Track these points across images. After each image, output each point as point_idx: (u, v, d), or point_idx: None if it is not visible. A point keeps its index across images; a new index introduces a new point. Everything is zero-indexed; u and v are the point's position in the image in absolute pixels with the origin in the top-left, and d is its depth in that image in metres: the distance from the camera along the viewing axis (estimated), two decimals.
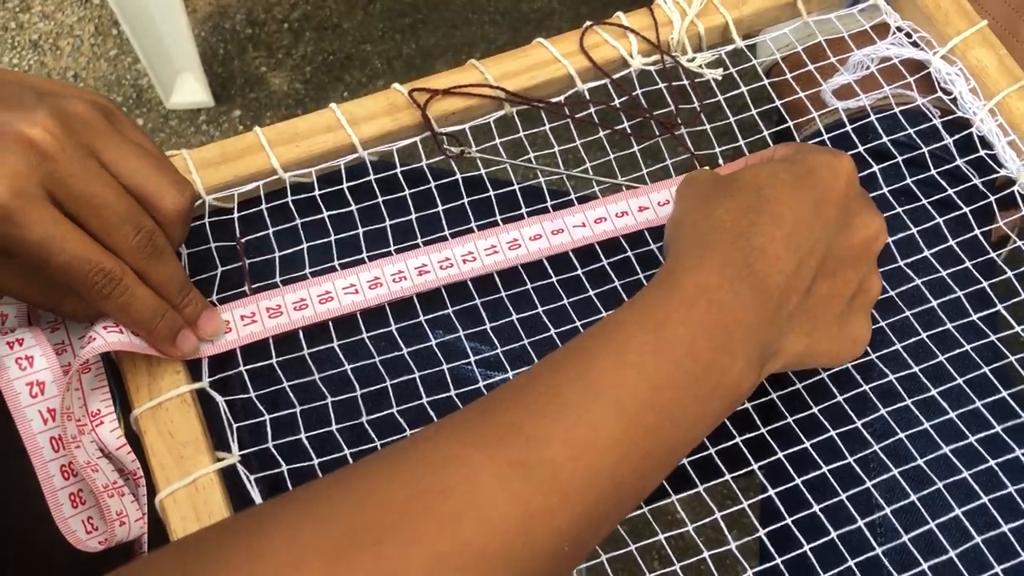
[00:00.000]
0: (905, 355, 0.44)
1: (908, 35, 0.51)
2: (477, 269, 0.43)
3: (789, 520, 0.40)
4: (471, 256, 0.43)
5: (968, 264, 0.46)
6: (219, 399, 0.40)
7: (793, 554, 0.39)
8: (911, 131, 0.50)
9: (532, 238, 0.44)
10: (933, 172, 0.48)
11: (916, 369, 0.44)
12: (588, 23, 0.48)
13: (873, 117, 0.50)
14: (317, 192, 0.45)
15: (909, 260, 0.46)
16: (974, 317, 0.45)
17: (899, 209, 0.48)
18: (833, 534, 0.39)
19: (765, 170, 0.38)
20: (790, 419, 0.43)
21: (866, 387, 0.43)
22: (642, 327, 0.33)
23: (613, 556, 0.39)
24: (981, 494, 0.40)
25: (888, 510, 0.40)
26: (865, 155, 0.49)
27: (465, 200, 0.46)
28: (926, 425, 0.42)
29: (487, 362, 0.44)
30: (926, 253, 0.46)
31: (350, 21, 1.26)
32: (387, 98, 0.46)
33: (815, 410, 0.43)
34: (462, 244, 0.44)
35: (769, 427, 0.42)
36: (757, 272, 0.35)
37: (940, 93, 0.49)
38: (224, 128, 1.20)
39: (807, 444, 0.42)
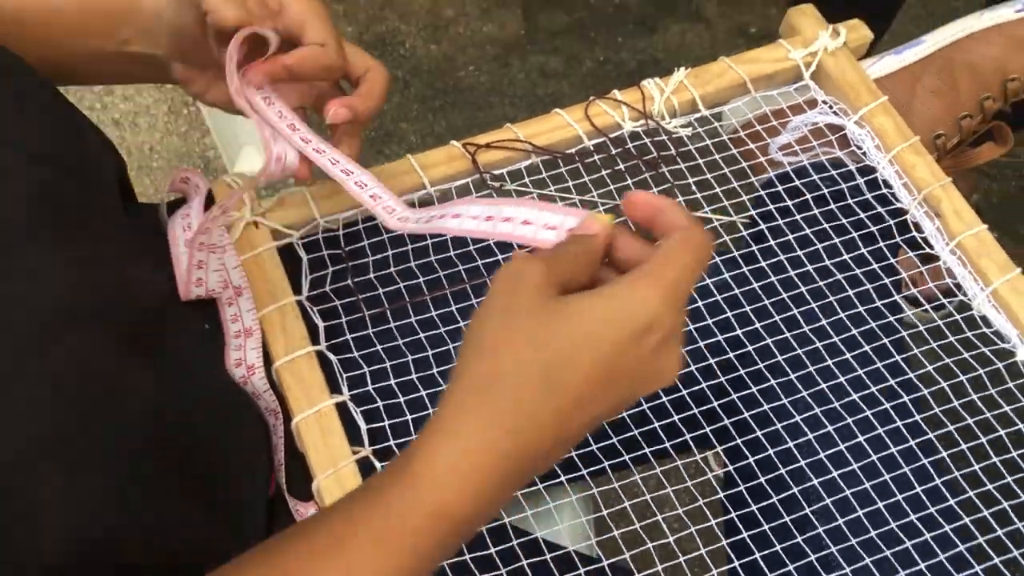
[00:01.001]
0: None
1: (830, 106, 0.68)
2: None
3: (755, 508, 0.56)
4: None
5: (875, 267, 0.63)
6: (332, 357, 0.56)
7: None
8: (834, 173, 0.67)
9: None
10: (850, 201, 0.65)
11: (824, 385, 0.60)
12: (592, 98, 0.66)
13: (807, 163, 0.68)
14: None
15: (828, 276, 0.63)
16: (877, 303, 0.61)
17: (826, 226, 0.65)
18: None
19: (583, 331, 0.38)
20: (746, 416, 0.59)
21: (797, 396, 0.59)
22: (376, 543, 0.37)
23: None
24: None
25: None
26: (803, 189, 0.66)
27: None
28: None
29: None
30: (845, 257, 0.63)
31: (389, 103, 1.45)
32: (446, 151, 0.64)
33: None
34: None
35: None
36: (520, 446, 0.37)
37: (854, 148, 0.67)
38: (279, 190, 1.38)
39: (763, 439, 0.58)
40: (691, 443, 0.59)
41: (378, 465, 0.54)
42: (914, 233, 0.63)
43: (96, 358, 0.43)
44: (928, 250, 0.63)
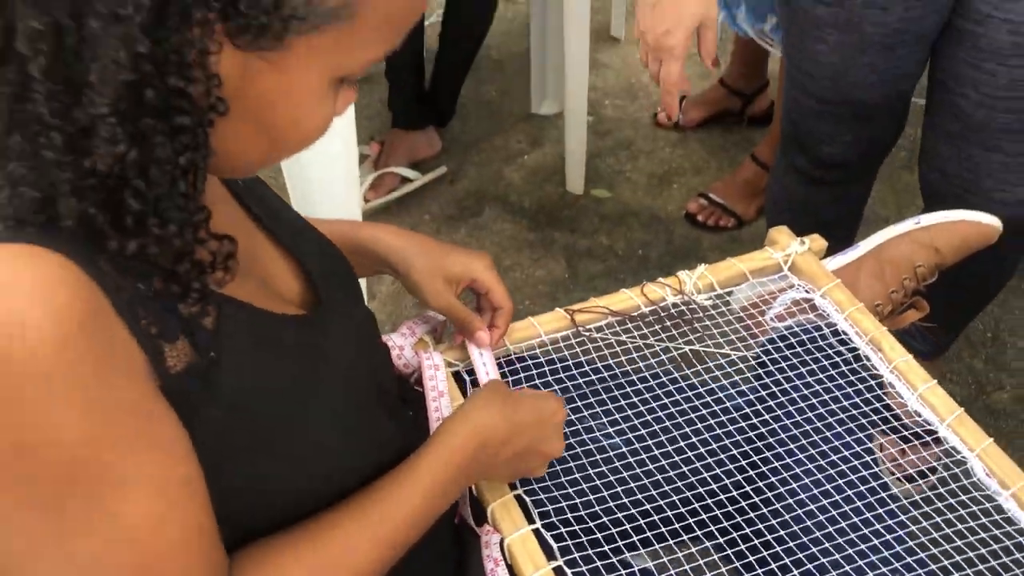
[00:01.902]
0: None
1: (804, 288, 1.03)
2: None
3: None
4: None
5: (838, 393, 0.94)
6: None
7: None
8: (814, 333, 1.00)
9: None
10: (827, 348, 0.98)
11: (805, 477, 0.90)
12: (644, 282, 1.01)
13: (795, 327, 1.01)
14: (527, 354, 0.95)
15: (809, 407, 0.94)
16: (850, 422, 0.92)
17: (805, 370, 0.97)
18: None
19: (506, 430, 0.75)
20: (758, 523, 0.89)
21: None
22: (397, 524, 0.69)
23: None
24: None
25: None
26: (793, 343, 0.99)
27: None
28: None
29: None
30: (817, 388, 0.95)
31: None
32: (553, 315, 0.98)
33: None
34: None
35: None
36: (468, 475, 0.74)
37: (821, 313, 1.01)
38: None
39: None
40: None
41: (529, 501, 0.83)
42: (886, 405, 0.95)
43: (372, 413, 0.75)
44: (904, 432, 0.93)
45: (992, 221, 1.03)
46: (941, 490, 0.85)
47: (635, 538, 0.83)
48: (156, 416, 0.55)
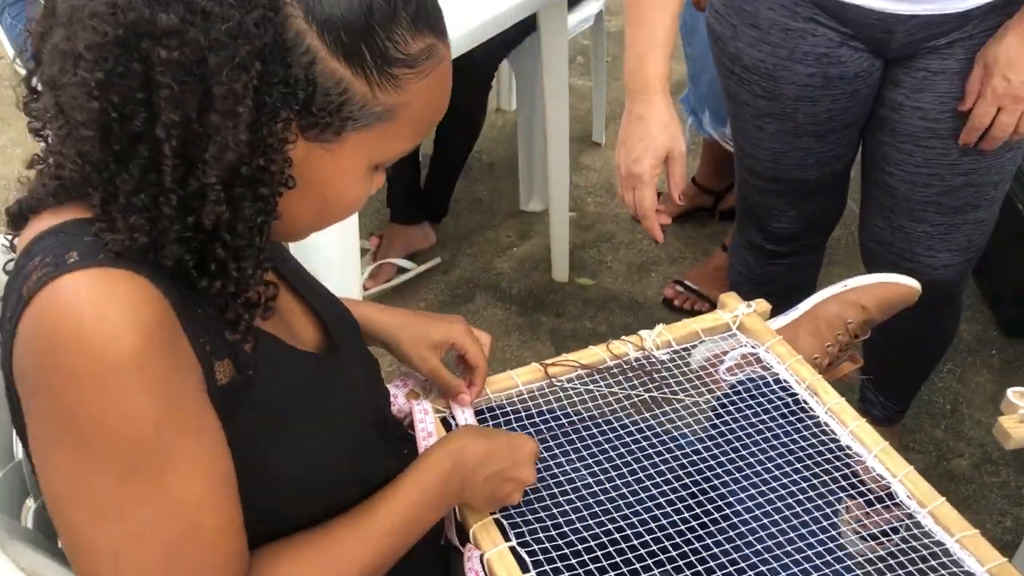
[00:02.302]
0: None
1: (751, 345, 1.17)
2: None
3: None
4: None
5: (780, 432, 1.07)
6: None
7: None
8: (759, 383, 1.13)
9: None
10: (772, 396, 1.11)
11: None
12: (611, 340, 1.15)
13: (743, 379, 1.14)
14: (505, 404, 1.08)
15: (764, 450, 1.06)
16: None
17: (752, 414, 1.10)
18: None
19: (479, 452, 0.88)
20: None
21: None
22: (388, 531, 0.82)
23: None
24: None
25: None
26: (746, 391, 1.12)
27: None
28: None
29: None
30: (766, 432, 1.07)
31: None
32: (530, 368, 1.11)
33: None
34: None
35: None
36: (448, 491, 0.87)
37: (765, 365, 1.14)
38: None
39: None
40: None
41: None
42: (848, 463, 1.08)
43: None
44: (869, 496, 1.04)
45: (910, 283, 1.18)
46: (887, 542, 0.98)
47: (599, 553, 0.94)
48: (207, 415, 0.69)
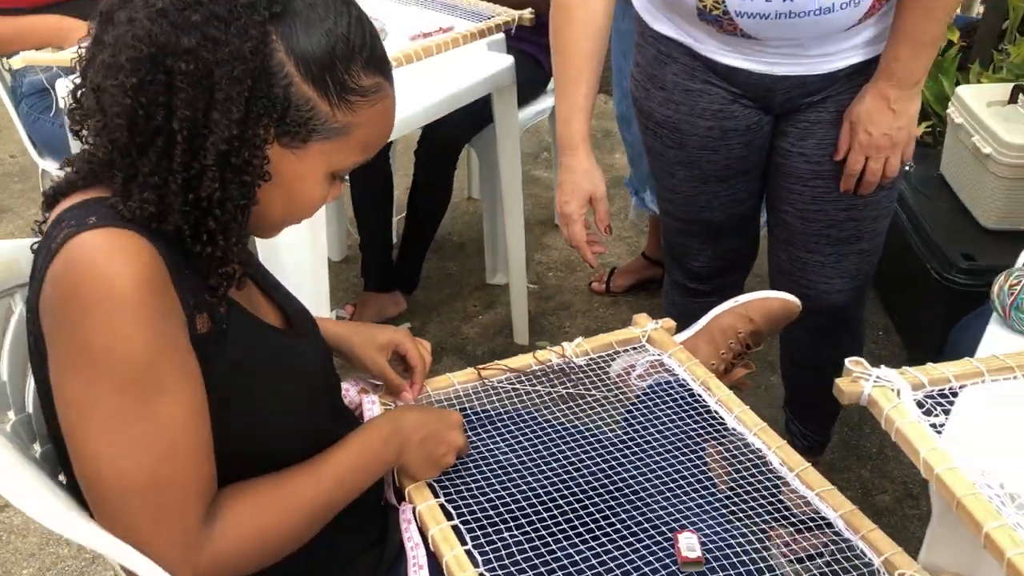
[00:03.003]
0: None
1: (657, 353, 1.36)
2: None
3: None
4: None
5: (677, 424, 1.25)
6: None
7: None
8: (663, 383, 1.31)
9: None
10: (673, 392, 1.29)
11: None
12: (537, 350, 1.34)
13: (651, 383, 1.33)
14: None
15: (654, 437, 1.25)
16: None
17: (658, 410, 1.28)
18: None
19: (414, 419, 1.08)
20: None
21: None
22: (334, 480, 0.99)
23: None
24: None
25: None
26: (652, 391, 1.30)
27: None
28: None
29: None
30: (666, 421, 1.26)
31: None
32: (467, 372, 1.30)
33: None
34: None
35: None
36: (388, 451, 1.05)
37: (669, 370, 1.33)
38: None
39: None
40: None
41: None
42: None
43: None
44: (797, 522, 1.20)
45: (790, 298, 1.39)
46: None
47: (517, 512, 1.11)
48: (189, 357, 0.88)
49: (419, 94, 1.87)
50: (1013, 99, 2.20)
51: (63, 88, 1.96)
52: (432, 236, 2.54)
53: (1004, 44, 2.61)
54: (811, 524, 1.10)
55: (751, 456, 1.18)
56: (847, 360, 1.08)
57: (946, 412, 1.04)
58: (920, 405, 1.04)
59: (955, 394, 1.07)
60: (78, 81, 0.93)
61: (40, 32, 2.16)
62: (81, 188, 0.93)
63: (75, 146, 1.98)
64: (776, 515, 1.12)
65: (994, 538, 0.88)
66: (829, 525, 1.09)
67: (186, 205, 0.88)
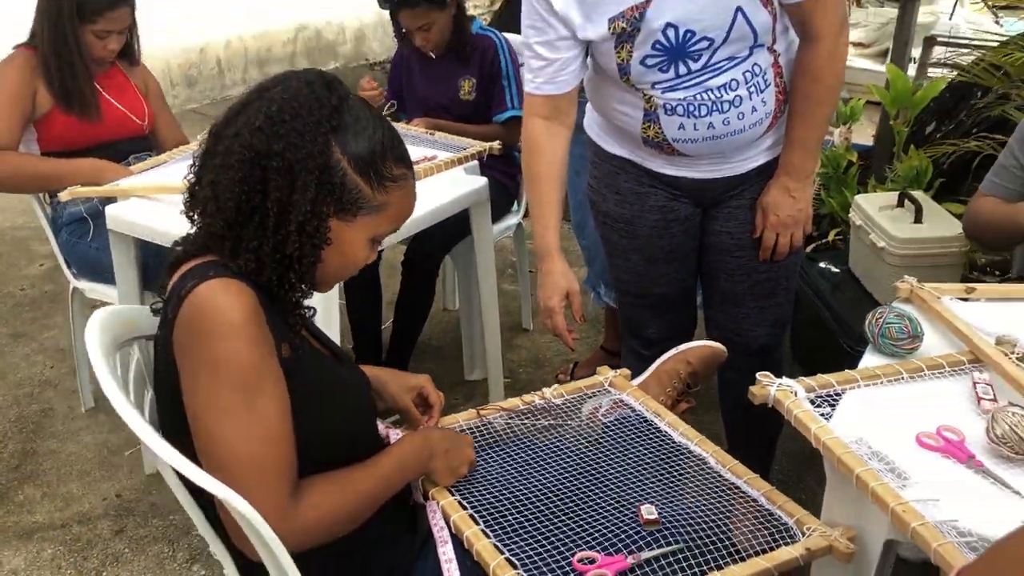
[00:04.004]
0: None
1: (616, 395, 1.71)
2: None
3: None
4: None
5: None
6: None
7: None
8: (624, 417, 1.66)
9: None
10: (634, 421, 1.64)
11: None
12: (523, 395, 1.69)
13: (614, 417, 1.67)
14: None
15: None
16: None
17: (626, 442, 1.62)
18: None
19: (438, 437, 1.45)
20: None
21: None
22: (380, 477, 1.33)
23: None
24: None
25: None
26: (615, 423, 1.65)
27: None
28: None
29: None
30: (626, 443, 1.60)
31: None
32: (468, 412, 1.64)
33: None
34: None
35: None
36: (419, 460, 1.40)
37: (628, 405, 1.68)
38: None
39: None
40: None
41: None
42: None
43: None
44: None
45: (717, 345, 1.76)
46: None
47: (512, 508, 1.44)
48: (279, 372, 1.22)
49: None
50: (900, 203, 2.66)
51: (123, 210, 2.31)
52: (417, 337, 2.90)
53: (892, 163, 3.11)
54: (742, 500, 1.45)
55: (693, 459, 1.53)
56: (758, 374, 1.45)
57: (832, 407, 1.40)
58: (812, 402, 1.40)
59: (839, 395, 1.43)
60: (192, 179, 1.31)
61: (80, 172, 2.53)
62: (193, 256, 1.29)
63: (118, 262, 2.34)
64: (715, 495, 1.46)
65: (863, 478, 1.23)
66: (755, 501, 1.43)
67: (275, 262, 1.24)
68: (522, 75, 2.17)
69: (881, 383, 1.45)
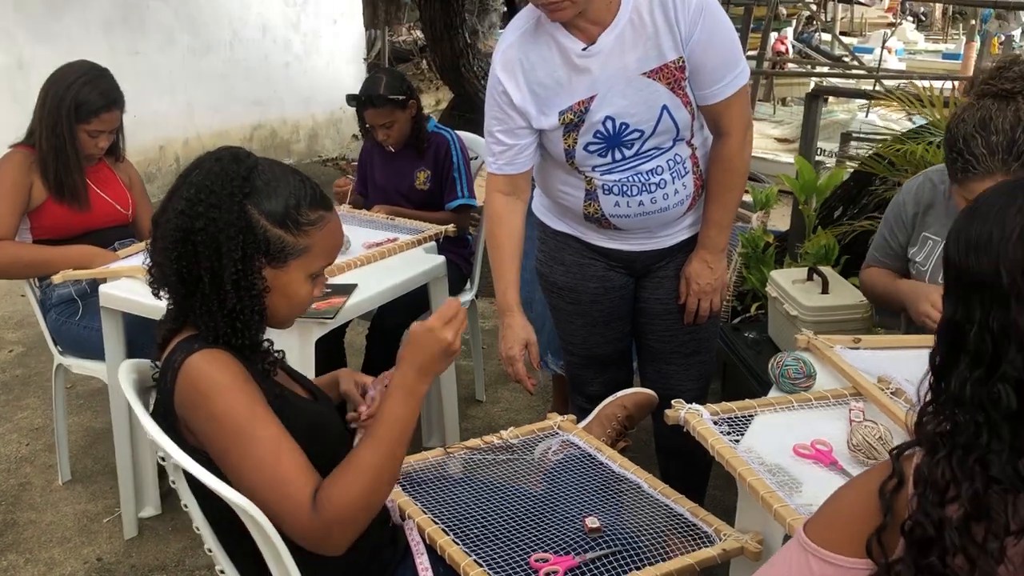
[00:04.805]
0: None
1: (565, 434, 1.98)
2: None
3: None
4: None
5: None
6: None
7: None
8: (572, 454, 1.93)
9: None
10: (580, 458, 1.91)
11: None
12: (484, 436, 1.95)
13: (563, 456, 1.94)
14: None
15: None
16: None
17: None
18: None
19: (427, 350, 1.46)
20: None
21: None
22: (393, 440, 1.45)
23: None
24: None
25: None
26: (564, 460, 1.91)
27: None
28: None
29: None
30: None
31: None
32: (437, 451, 1.89)
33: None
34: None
35: None
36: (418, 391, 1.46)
37: (575, 444, 1.95)
38: None
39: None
40: None
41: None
42: None
43: None
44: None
45: (649, 392, 2.05)
46: None
47: (472, 528, 1.68)
48: (268, 407, 1.46)
49: (374, 284, 2.55)
50: (809, 277, 3.01)
51: (113, 288, 2.55)
52: None
53: (803, 243, 3.49)
54: (671, 515, 1.72)
55: (631, 485, 1.80)
56: (672, 400, 1.74)
57: (731, 427, 1.69)
58: (715, 423, 1.69)
59: (738, 419, 1.73)
60: (148, 264, 1.55)
61: (71, 257, 2.77)
62: (176, 332, 1.53)
63: (108, 337, 2.57)
64: (648, 511, 1.73)
65: (754, 486, 1.51)
66: (681, 515, 1.70)
67: (224, 318, 1.47)
68: (472, 168, 2.48)
69: (774, 410, 1.75)
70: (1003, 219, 1.00)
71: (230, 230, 1.45)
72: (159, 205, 1.52)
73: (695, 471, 2.45)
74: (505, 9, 13.07)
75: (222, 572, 1.59)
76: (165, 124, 6.61)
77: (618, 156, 2.09)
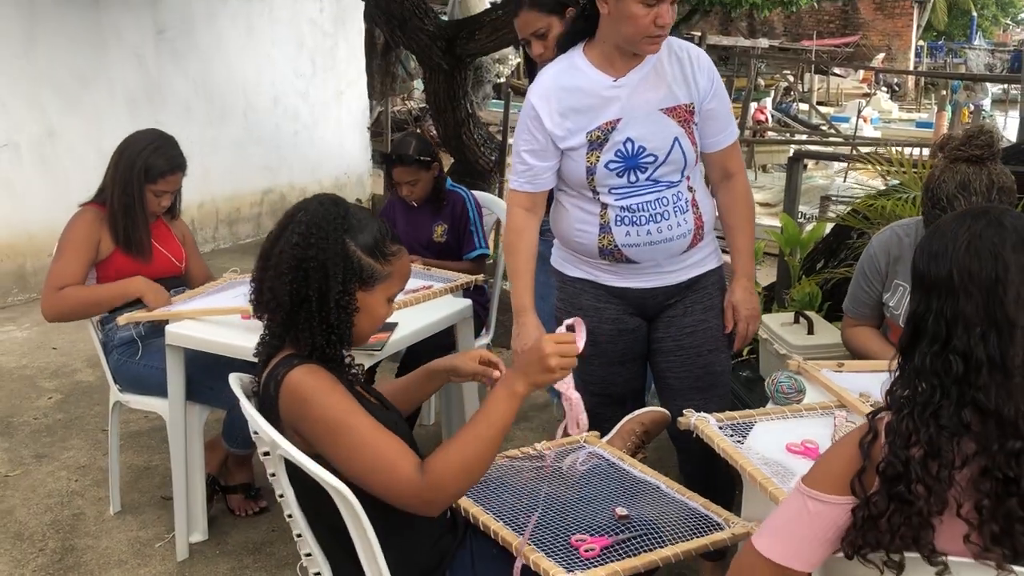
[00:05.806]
0: None
1: (591, 447, 2.29)
2: None
3: None
4: None
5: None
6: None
7: None
8: (597, 464, 2.23)
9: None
10: (605, 466, 2.21)
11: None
12: (522, 447, 2.25)
13: (589, 466, 2.24)
14: None
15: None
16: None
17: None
18: None
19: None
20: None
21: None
22: (492, 426, 1.73)
23: None
24: None
25: None
26: (591, 469, 2.21)
27: None
28: None
29: None
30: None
31: None
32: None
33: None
34: None
35: None
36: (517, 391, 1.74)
37: (601, 455, 2.26)
38: None
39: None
40: None
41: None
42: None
43: None
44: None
45: (663, 410, 2.36)
46: None
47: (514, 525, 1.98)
48: (357, 402, 1.77)
49: (411, 323, 2.87)
50: (796, 320, 3.36)
51: (178, 328, 2.85)
52: None
53: (789, 290, 3.84)
54: (687, 509, 2.02)
55: (651, 486, 2.10)
56: (685, 410, 2.06)
57: (734, 431, 2.01)
58: (722, 428, 2.01)
59: (740, 425, 2.04)
60: (254, 292, 1.87)
61: (130, 289, 3.08)
62: (273, 354, 1.84)
63: (172, 373, 2.87)
64: (668, 505, 2.03)
65: (753, 475, 1.82)
66: (696, 509, 2.00)
67: (322, 332, 1.79)
68: (485, 221, 2.82)
69: (771, 418, 2.07)
70: (955, 235, 1.35)
71: (335, 259, 1.79)
72: (266, 242, 1.86)
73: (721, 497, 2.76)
74: (501, 80, 13.59)
75: (308, 555, 1.87)
76: (183, 188, 6.94)
77: (632, 179, 2.45)
